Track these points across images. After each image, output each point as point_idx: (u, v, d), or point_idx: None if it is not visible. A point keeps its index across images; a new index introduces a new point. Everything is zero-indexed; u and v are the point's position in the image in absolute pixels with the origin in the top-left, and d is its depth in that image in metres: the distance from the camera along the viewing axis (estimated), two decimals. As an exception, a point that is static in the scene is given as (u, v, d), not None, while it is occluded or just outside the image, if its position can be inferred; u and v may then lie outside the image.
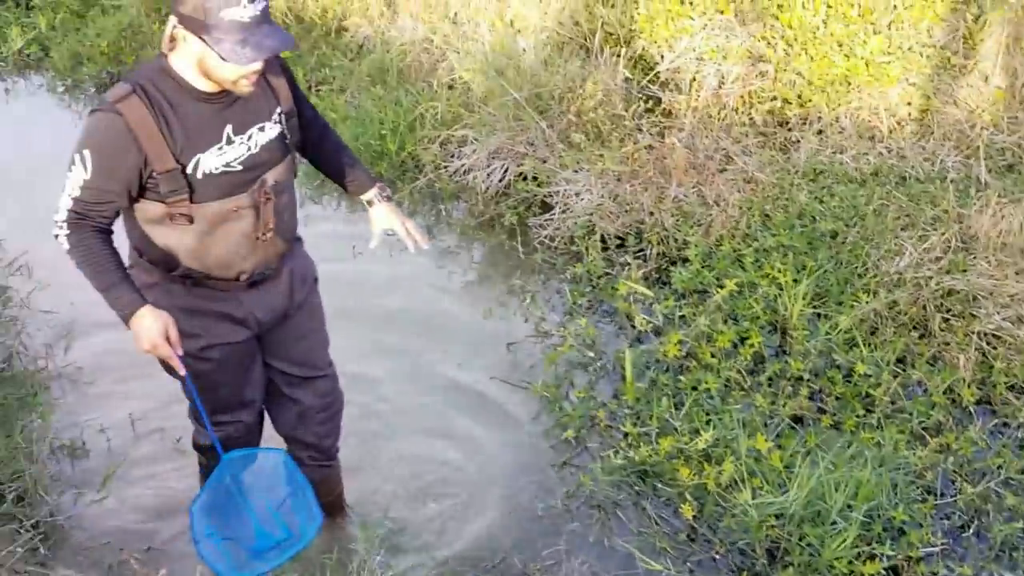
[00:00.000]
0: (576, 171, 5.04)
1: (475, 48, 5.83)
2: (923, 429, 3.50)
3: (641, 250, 4.64)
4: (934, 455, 3.36)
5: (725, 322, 4.03)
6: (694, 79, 5.41)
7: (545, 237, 4.89)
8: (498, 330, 4.32)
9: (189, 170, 2.36)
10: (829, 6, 5.29)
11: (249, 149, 2.45)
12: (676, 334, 3.92)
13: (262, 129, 2.48)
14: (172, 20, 2.26)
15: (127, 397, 4.04)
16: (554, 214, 4.95)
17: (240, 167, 2.44)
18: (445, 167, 5.42)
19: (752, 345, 3.85)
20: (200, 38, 2.21)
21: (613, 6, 5.88)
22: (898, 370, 3.72)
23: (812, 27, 5.27)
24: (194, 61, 2.28)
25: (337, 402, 3.07)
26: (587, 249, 4.65)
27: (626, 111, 5.32)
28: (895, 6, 5.26)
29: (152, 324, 2.42)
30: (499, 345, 4.22)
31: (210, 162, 2.39)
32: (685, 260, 4.45)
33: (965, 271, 4.09)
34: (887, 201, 4.52)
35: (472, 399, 3.93)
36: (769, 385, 3.74)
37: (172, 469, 3.71)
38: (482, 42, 5.84)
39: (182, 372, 2.52)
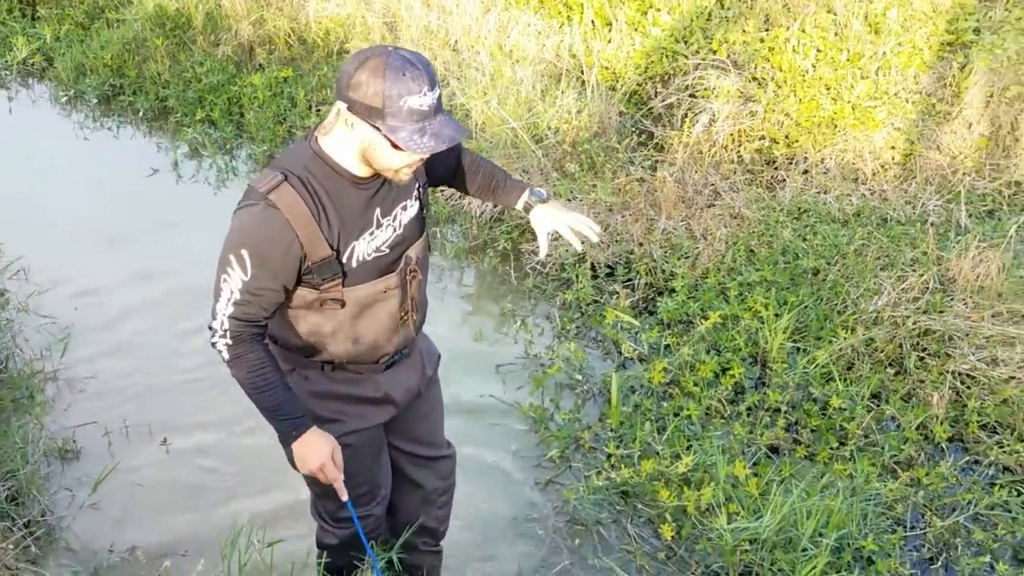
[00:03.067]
0: (569, 200, 5.17)
1: (474, 76, 5.97)
2: (895, 463, 3.62)
3: (629, 280, 4.76)
4: (905, 488, 3.47)
5: (708, 352, 4.14)
6: (686, 116, 5.56)
7: (537, 263, 5.00)
8: (488, 352, 4.42)
9: (344, 258, 2.28)
10: (819, 50, 5.46)
11: (395, 230, 2.38)
12: (661, 362, 4.04)
13: (405, 208, 2.40)
14: (340, 105, 2.12)
15: (121, 401, 4.15)
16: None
17: (388, 249, 2.37)
18: (441, 191, 5.54)
19: (733, 375, 3.97)
20: (373, 125, 2.09)
21: (610, 41, 6.04)
22: (872, 405, 3.84)
23: (801, 70, 5.43)
24: (357, 147, 2.17)
25: (454, 484, 2.99)
26: (577, 277, 4.77)
27: (619, 144, 5.46)
28: (883, 53, 5.43)
29: (323, 446, 2.36)
30: (489, 366, 4.33)
31: (362, 248, 2.31)
32: (672, 291, 4.57)
33: (942, 312, 4.22)
34: (868, 241, 4.67)
35: (461, 418, 4.02)
36: (748, 415, 3.86)
37: (162, 473, 3.81)
38: (482, 71, 5.99)
39: (344, 497, 2.45)
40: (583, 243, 2.67)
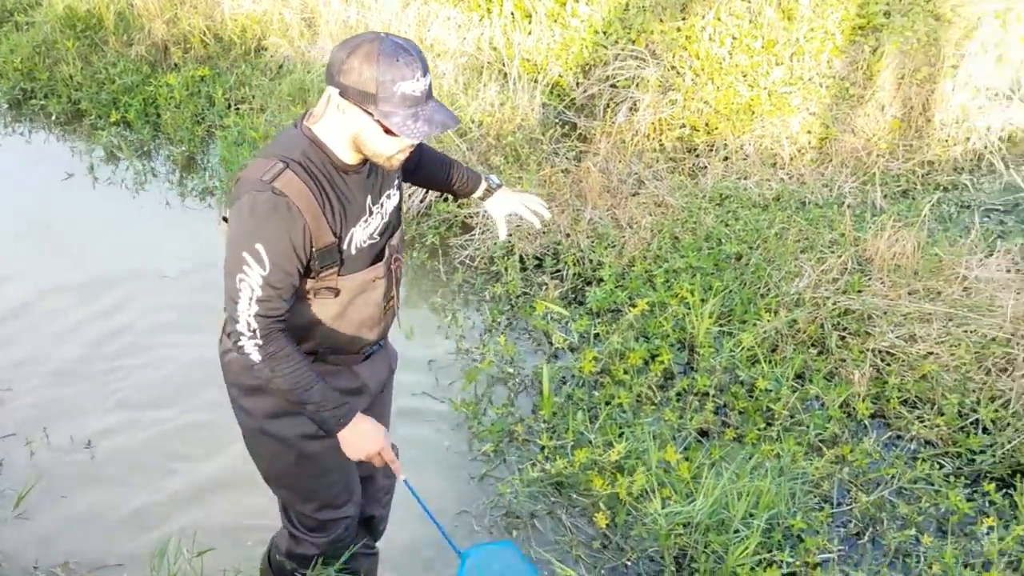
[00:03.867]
0: (495, 193, 5.18)
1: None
2: (820, 441, 3.71)
3: (558, 270, 4.79)
4: (830, 466, 3.56)
5: (637, 340, 4.20)
6: (608, 106, 5.61)
7: (466, 257, 5.01)
8: (420, 348, 4.41)
9: (344, 245, 2.27)
10: (734, 38, 5.54)
11: (383, 217, 2.39)
12: (591, 351, 4.08)
13: (389, 196, 2.42)
14: (331, 91, 2.12)
15: (42, 414, 4.03)
16: (474, 235, 5.08)
17: (378, 236, 2.38)
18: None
19: (662, 362, 4.02)
20: (366, 111, 2.10)
21: (530, 33, 6.06)
22: (797, 385, 3.93)
23: (718, 58, 5.51)
24: (348, 133, 2.17)
25: (394, 484, 2.99)
26: (506, 269, 4.79)
27: (543, 135, 5.49)
28: (796, 39, 5.54)
29: (376, 430, 2.36)
30: (421, 363, 4.32)
31: (359, 235, 2.31)
32: (600, 280, 4.61)
33: (860, 291, 4.34)
34: (788, 225, 4.77)
35: (394, 415, 4.00)
36: (678, 400, 3.92)
37: (89, 481, 3.72)
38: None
39: (401, 477, 2.46)
40: (538, 220, 2.82)
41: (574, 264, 4.75)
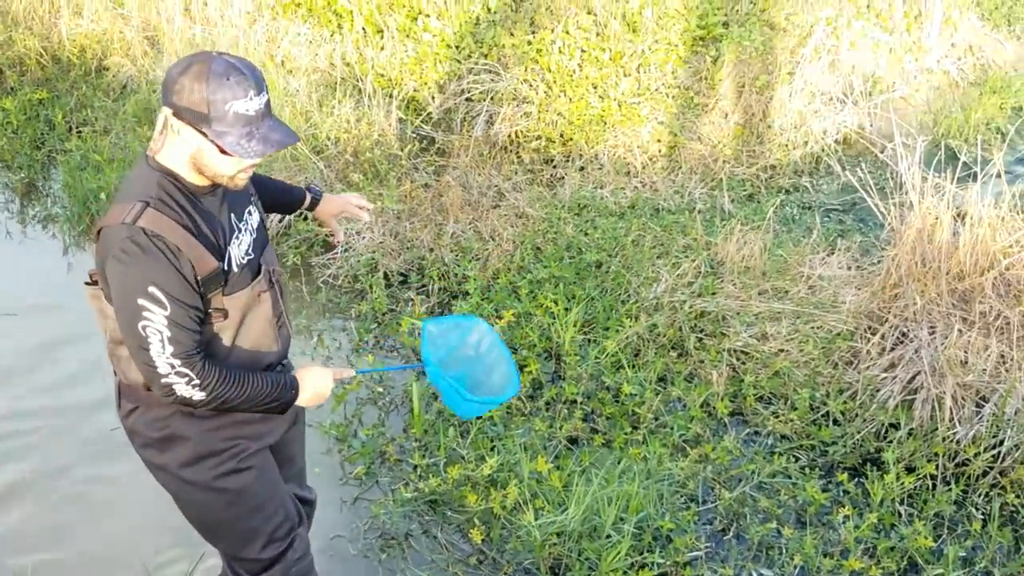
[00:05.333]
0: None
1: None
2: (684, 442, 3.83)
3: (424, 285, 4.80)
4: (694, 465, 3.69)
5: (504, 352, 4.24)
6: (464, 120, 5.65)
7: (329, 276, 4.96)
8: (284, 372, 4.34)
9: (225, 265, 2.24)
10: (583, 51, 5.68)
11: (251, 234, 2.38)
12: (459, 366, 4.09)
13: (250, 213, 2.41)
14: (166, 111, 2.10)
15: None
16: (336, 253, 5.03)
17: (252, 253, 2.36)
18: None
19: (530, 372, 4.08)
20: (200, 131, 2.08)
21: (383, 48, 6.05)
22: (660, 388, 4.06)
23: (568, 71, 5.64)
24: (187, 156, 2.14)
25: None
26: (371, 287, 4.77)
27: (402, 151, 5.48)
28: (642, 51, 5.72)
29: (319, 373, 2.41)
30: (286, 387, 4.24)
31: (236, 253, 2.29)
32: (466, 293, 4.64)
33: (714, 294, 4.51)
34: (644, 232, 4.91)
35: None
36: (547, 409, 3.98)
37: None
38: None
39: (352, 372, 2.58)
40: (365, 225, 2.94)
41: (439, 279, 4.77)
